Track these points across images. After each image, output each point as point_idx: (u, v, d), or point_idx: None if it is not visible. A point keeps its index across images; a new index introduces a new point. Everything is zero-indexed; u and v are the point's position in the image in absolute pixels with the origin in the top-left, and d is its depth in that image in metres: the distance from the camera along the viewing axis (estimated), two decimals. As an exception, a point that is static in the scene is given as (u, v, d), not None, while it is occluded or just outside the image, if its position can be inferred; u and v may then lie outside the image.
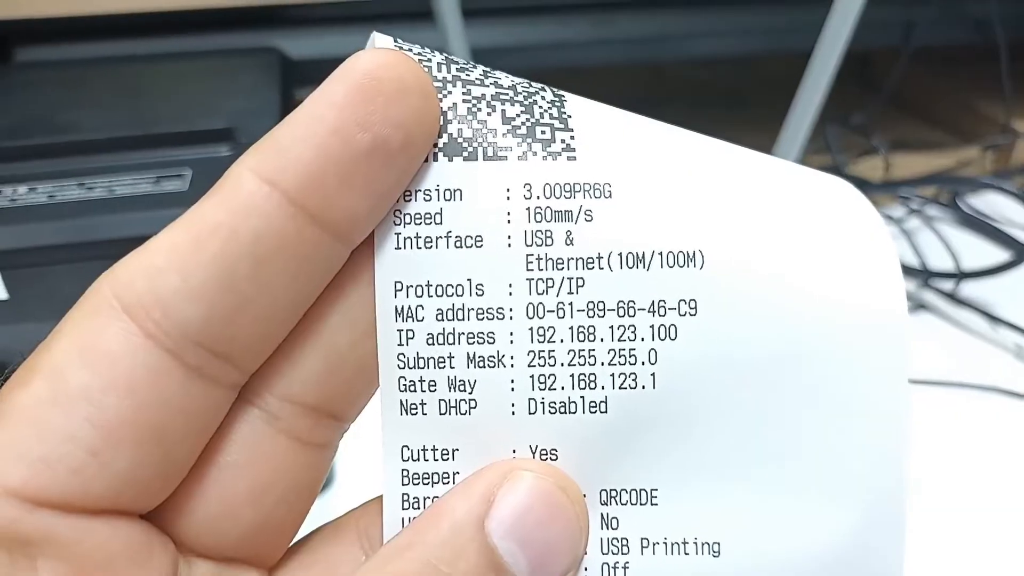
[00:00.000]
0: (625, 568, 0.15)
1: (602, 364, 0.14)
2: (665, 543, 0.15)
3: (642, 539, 0.15)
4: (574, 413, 0.14)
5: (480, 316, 0.14)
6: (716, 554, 0.15)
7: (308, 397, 0.15)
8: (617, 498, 0.15)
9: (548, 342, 0.14)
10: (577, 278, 0.14)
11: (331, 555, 0.16)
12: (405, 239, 0.14)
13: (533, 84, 0.15)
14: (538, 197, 0.14)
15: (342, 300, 0.15)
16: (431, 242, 0.14)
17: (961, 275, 0.57)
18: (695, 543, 0.15)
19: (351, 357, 0.15)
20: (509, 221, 0.14)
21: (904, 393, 0.15)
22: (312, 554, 0.17)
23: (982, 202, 0.66)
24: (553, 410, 0.14)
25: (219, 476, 0.15)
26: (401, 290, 0.14)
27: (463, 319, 0.14)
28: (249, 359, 0.14)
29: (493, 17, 0.59)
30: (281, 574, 0.16)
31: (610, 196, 0.14)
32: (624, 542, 0.15)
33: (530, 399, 0.14)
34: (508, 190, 0.14)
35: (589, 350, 0.14)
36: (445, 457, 0.15)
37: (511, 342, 0.14)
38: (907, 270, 0.58)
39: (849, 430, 0.15)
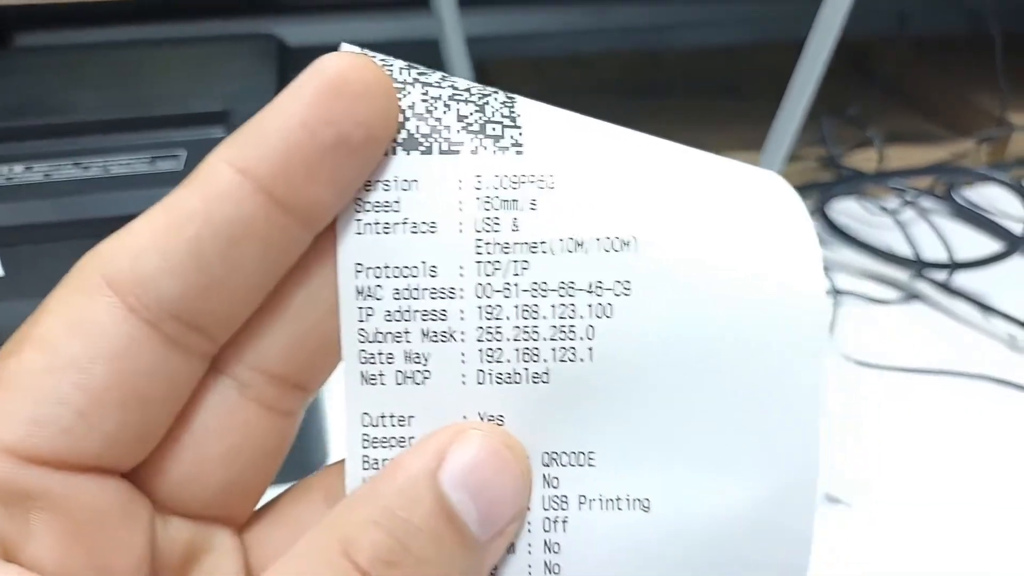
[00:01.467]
0: (564, 522, 0.16)
1: (544, 339, 0.15)
2: (600, 499, 0.16)
3: (579, 496, 0.16)
4: (519, 383, 0.16)
5: (434, 295, 0.15)
6: (646, 510, 0.16)
7: (276, 368, 0.16)
8: (557, 460, 0.16)
9: (495, 319, 0.15)
10: (522, 261, 0.15)
11: (298, 513, 0.17)
12: (365, 225, 0.15)
13: (487, 88, 0.16)
14: (488, 188, 0.15)
15: (307, 280, 0.16)
16: (389, 228, 0.15)
17: (954, 265, 0.57)
18: (627, 500, 0.16)
19: (315, 332, 0.16)
20: (461, 209, 0.15)
21: (818, 371, 0.16)
22: (280, 513, 0.18)
23: (977, 194, 0.66)
24: (500, 380, 0.16)
25: (193, 439, 0.16)
26: (361, 271, 0.15)
27: (418, 298, 0.15)
28: (221, 331, 0.15)
29: (489, 6, 0.60)
30: (251, 532, 0.17)
31: (553, 187, 0.15)
32: (563, 499, 0.16)
33: (479, 371, 0.16)
34: (460, 181, 0.15)
35: (533, 327, 0.15)
36: (402, 423, 0.16)
37: (462, 319, 0.15)
38: (901, 260, 0.58)
39: (767, 404, 0.16)
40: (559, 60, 0.71)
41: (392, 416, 0.16)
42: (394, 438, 0.16)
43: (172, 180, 0.34)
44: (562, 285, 0.15)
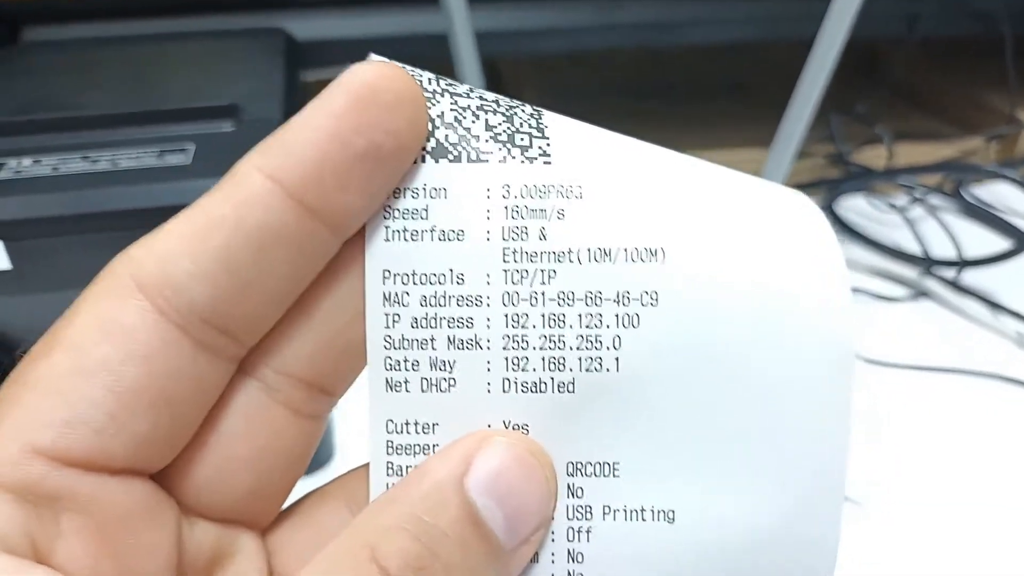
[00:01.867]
0: (589, 532, 0.16)
1: (571, 348, 0.15)
2: (625, 510, 0.16)
3: (604, 506, 0.16)
4: (544, 392, 0.16)
5: (460, 303, 0.15)
6: (671, 521, 0.16)
7: (302, 372, 0.16)
8: (582, 470, 0.16)
9: (522, 328, 0.15)
10: (549, 270, 0.15)
11: (321, 516, 0.18)
12: (394, 232, 0.15)
13: (514, 100, 0.17)
14: (515, 196, 0.15)
15: (335, 286, 0.16)
16: (417, 235, 0.15)
17: (963, 263, 0.57)
18: (652, 511, 0.16)
19: (342, 337, 0.16)
20: (488, 217, 0.15)
21: (848, 380, 0.16)
22: (303, 516, 0.18)
23: (986, 191, 0.66)
24: (525, 389, 0.16)
25: (220, 441, 0.16)
26: (389, 278, 0.15)
27: (444, 305, 0.15)
28: (249, 335, 0.15)
29: (498, 1, 0.60)
30: (274, 535, 0.17)
31: (581, 197, 0.15)
32: (588, 509, 0.16)
33: (504, 379, 0.16)
34: (488, 190, 0.15)
35: (559, 336, 0.15)
36: (426, 431, 0.16)
37: (488, 327, 0.16)
38: (909, 258, 0.58)
39: (794, 413, 0.16)
40: (566, 57, 0.71)
41: (416, 423, 0.16)
42: (418, 445, 0.16)
43: (180, 174, 0.34)
44: (589, 294, 0.15)
